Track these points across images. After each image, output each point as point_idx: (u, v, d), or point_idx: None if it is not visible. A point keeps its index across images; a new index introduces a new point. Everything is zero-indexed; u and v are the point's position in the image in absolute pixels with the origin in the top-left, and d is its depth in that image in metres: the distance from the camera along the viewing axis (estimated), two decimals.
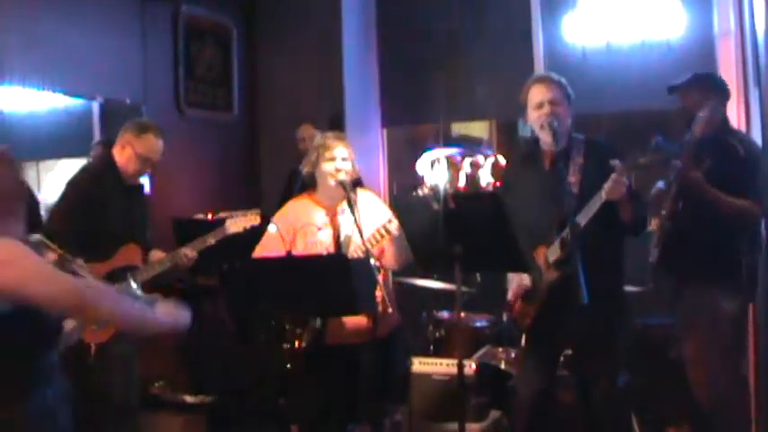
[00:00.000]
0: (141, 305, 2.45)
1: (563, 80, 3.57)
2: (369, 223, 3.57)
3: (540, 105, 3.49)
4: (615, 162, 3.21)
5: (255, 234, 3.96)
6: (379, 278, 3.49)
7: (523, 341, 3.86)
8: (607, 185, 3.21)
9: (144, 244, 4.00)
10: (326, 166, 3.66)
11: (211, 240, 4.02)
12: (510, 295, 3.64)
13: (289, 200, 4.05)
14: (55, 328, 2.28)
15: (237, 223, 4.02)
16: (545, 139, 3.50)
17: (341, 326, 3.64)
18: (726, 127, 3.69)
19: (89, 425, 4.00)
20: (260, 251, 3.77)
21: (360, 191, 3.78)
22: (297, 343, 3.63)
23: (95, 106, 5.08)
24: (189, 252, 3.97)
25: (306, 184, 3.88)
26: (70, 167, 5.30)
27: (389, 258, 3.69)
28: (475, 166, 5.61)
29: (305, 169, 3.82)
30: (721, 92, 3.70)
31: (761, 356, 4.13)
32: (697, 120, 3.49)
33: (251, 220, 4.03)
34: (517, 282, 3.61)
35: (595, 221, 3.28)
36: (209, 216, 5.11)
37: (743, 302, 3.60)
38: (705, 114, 3.48)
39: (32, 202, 4.17)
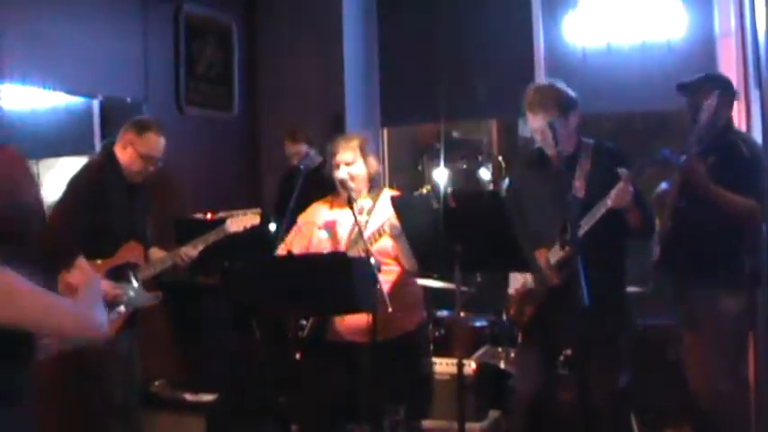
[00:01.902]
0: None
1: (558, 90, 3.48)
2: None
3: (534, 131, 3.50)
4: (622, 170, 3.20)
5: (256, 233, 3.97)
6: (381, 277, 3.49)
7: (519, 339, 3.87)
8: (613, 193, 3.21)
9: (145, 242, 4.00)
10: (334, 171, 3.72)
11: (212, 239, 4.02)
12: (512, 290, 3.62)
13: (285, 201, 4.08)
14: (27, 346, 2.14)
15: (238, 222, 4.03)
16: (550, 152, 3.51)
17: (339, 323, 3.65)
18: (730, 127, 3.69)
19: (88, 423, 4.02)
20: (281, 250, 3.82)
21: (385, 191, 3.81)
22: (299, 332, 3.65)
23: (96, 105, 5.08)
24: (189, 251, 3.98)
25: (311, 184, 3.92)
26: (71, 166, 5.30)
27: (401, 258, 3.69)
28: (475, 165, 5.63)
29: (324, 171, 3.87)
30: (729, 93, 3.71)
31: (761, 356, 4.13)
32: (703, 108, 3.49)
33: (251, 219, 4.04)
34: (521, 281, 3.60)
35: (598, 224, 3.28)
36: (209, 215, 5.11)
37: (744, 302, 3.60)
38: (712, 102, 3.48)
39: (37, 200, 4.18)
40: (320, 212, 3.83)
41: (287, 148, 5.40)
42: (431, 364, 4.30)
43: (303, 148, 5.27)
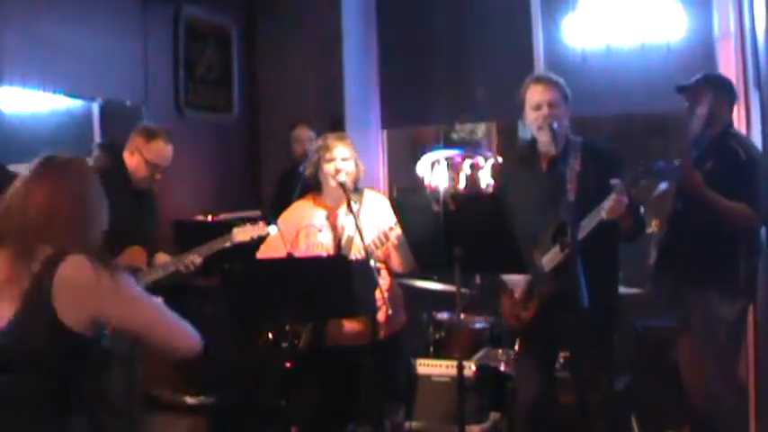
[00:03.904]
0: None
1: (561, 80, 3.54)
2: (372, 225, 3.56)
3: (538, 107, 3.48)
4: (615, 181, 3.19)
5: (262, 242, 3.97)
6: (380, 281, 3.48)
7: (517, 344, 3.85)
8: (607, 205, 3.20)
9: (150, 247, 4.00)
10: (327, 167, 3.67)
11: (217, 247, 4.01)
12: (517, 294, 3.59)
13: (281, 203, 4.05)
14: (100, 357, 2.24)
15: (245, 232, 4.01)
16: (543, 139, 3.49)
17: (339, 328, 3.64)
18: (729, 130, 3.68)
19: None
20: (264, 251, 3.79)
21: (368, 192, 3.79)
22: (296, 342, 3.64)
23: (96, 107, 5.07)
24: (194, 258, 3.97)
25: (310, 186, 3.89)
26: None
27: (395, 264, 3.68)
28: (475, 167, 5.62)
29: (307, 171, 3.83)
30: (728, 94, 3.69)
31: (760, 360, 4.13)
32: (694, 117, 3.49)
33: (259, 230, 4.02)
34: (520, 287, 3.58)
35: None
36: (209, 218, 5.10)
37: (740, 306, 3.60)
38: (702, 111, 3.48)
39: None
40: (312, 213, 3.78)
41: (299, 131, 5.38)
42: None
43: (314, 136, 5.27)
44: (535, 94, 3.50)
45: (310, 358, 3.67)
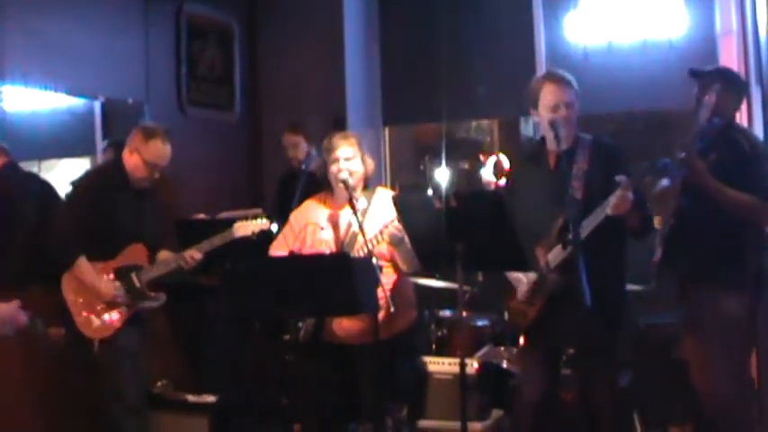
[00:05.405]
0: None
1: (572, 78, 3.54)
2: (381, 224, 3.56)
3: (555, 108, 3.46)
4: (621, 178, 3.18)
5: (262, 237, 3.96)
6: (382, 278, 3.48)
7: (521, 341, 3.85)
8: (612, 201, 3.18)
9: (152, 245, 4.01)
10: (332, 168, 3.69)
11: (217, 243, 4.01)
12: (520, 296, 3.59)
13: (282, 205, 4.05)
14: None
15: (245, 227, 4.00)
16: (551, 137, 3.49)
17: (339, 325, 3.64)
18: (732, 123, 3.67)
19: (96, 421, 4.02)
20: (276, 247, 3.81)
21: (380, 190, 3.80)
22: (297, 335, 3.65)
23: (97, 106, 5.09)
24: (194, 254, 3.97)
25: (311, 188, 3.91)
26: (72, 167, 5.31)
27: (398, 262, 3.68)
28: (477, 165, 5.62)
29: (318, 172, 3.85)
30: (737, 87, 3.68)
31: (764, 356, 4.12)
32: (702, 105, 3.47)
33: (261, 225, 4.01)
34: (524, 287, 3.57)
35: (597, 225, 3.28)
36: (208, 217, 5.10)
37: (748, 302, 3.58)
38: (710, 99, 3.45)
39: (54, 200, 4.24)
40: (317, 212, 3.80)
41: (285, 138, 5.42)
42: (424, 364, 4.31)
43: (301, 140, 5.30)
44: (552, 95, 3.47)
45: (313, 356, 3.67)
